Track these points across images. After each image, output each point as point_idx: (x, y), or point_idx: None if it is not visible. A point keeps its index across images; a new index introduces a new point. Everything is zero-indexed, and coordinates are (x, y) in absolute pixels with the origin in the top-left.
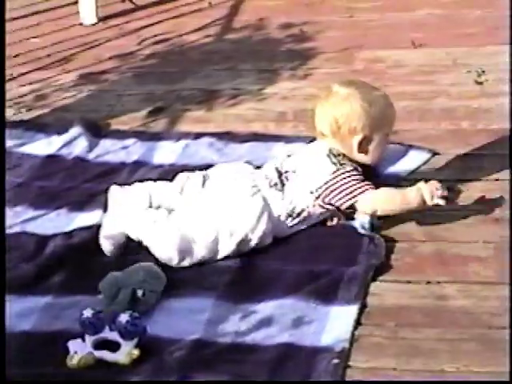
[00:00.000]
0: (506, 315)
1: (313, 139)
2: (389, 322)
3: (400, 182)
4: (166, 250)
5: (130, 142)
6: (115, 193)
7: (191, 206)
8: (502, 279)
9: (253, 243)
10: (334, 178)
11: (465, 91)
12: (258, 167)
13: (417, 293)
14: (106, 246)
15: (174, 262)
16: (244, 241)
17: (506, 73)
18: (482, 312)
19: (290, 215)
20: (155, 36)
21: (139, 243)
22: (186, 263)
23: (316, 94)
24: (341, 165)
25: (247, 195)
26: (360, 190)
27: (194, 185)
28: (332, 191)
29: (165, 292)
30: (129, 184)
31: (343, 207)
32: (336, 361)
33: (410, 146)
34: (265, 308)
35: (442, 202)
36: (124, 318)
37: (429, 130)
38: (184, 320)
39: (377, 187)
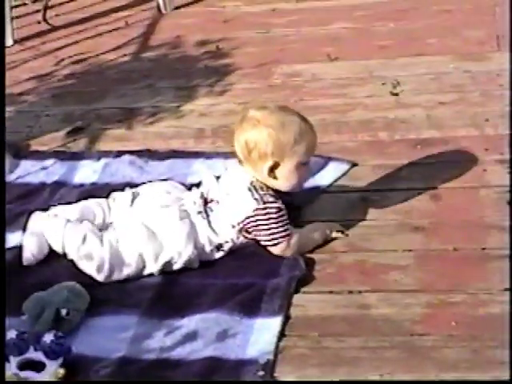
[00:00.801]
0: (428, 322)
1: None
2: (312, 333)
3: (320, 194)
4: (94, 266)
5: (49, 162)
6: (37, 216)
7: (119, 223)
8: (422, 287)
9: (178, 266)
10: (255, 216)
11: (381, 103)
12: (186, 185)
13: (339, 302)
14: (27, 254)
15: (101, 277)
16: (169, 263)
17: (420, 84)
18: (403, 320)
19: (216, 247)
20: (73, 56)
21: (64, 255)
22: (112, 279)
23: (234, 109)
24: (263, 202)
25: (176, 218)
26: (279, 235)
27: (123, 202)
28: (253, 227)
29: (89, 310)
30: (48, 206)
31: (263, 244)
32: (261, 373)
33: (329, 158)
34: (189, 323)
35: (339, 235)
36: (48, 337)
37: (346, 141)
38: (109, 338)
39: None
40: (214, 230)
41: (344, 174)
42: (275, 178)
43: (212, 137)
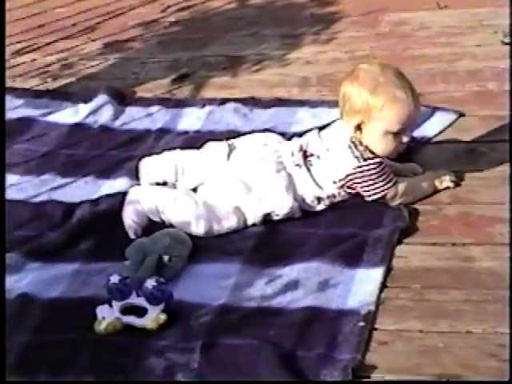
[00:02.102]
0: None
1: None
2: (414, 285)
3: (426, 144)
4: (192, 224)
5: (154, 109)
6: (145, 166)
7: (216, 178)
8: None
9: (280, 217)
10: (356, 173)
11: (491, 52)
12: (283, 134)
13: (442, 255)
14: (130, 227)
15: (201, 233)
16: (270, 215)
17: None
18: (507, 273)
19: (317, 199)
20: (179, 3)
21: (163, 223)
22: (213, 233)
23: (340, 57)
24: (363, 159)
25: (272, 171)
26: (382, 188)
27: (220, 156)
28: (356, 183)
29: (191, 258)
30: (156, 152)
31: (368, 199)
32: (362, 323)
33: (436, 108)
34: (290, 272)
35: (451, 185)
36: (150, 283)
37: (453, 91)
38: (210, 285)
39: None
40: (316, 183)
41: (451, 125)
42: (362, 137)
43: (317, 85)
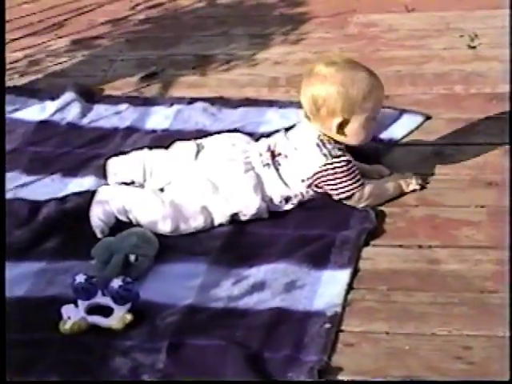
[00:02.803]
0: (498, 279)
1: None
2: (381, 286)
3: (393, 146)
4: (159, 223)
5: (123, 107)
6: (113, 165)
7: (184, 177)
8: (494, 243)
9: (247, 218)
10: (324, 171)
11: (458, 55)
12: (251, 134)
13: (409, 257)
14: (98, 223)
15: (167, 232)
16: (237, 215)
17: (499, 37)
18: (473, 276)
19: (285, 199)
20: (148, 1)
21: (130, 222)
22: (180, 232)
23: (309, 58)
24: (332, 157)
25: (241, 171)
26: (350, 187)
27: (188, 156)
28: (323, 182)
29: (158, 257)
30: (124, 151)
31: (336, 198)
32: (328, 325)
33: (403, 111)
34: (257, 273)
35: (417, 187)
36: (117, 282)
37: (420, 94)
38: (177, 285)
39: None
40: (284, 183)
41: (418, 127)
42: (344, 134)
43: (286, 86)
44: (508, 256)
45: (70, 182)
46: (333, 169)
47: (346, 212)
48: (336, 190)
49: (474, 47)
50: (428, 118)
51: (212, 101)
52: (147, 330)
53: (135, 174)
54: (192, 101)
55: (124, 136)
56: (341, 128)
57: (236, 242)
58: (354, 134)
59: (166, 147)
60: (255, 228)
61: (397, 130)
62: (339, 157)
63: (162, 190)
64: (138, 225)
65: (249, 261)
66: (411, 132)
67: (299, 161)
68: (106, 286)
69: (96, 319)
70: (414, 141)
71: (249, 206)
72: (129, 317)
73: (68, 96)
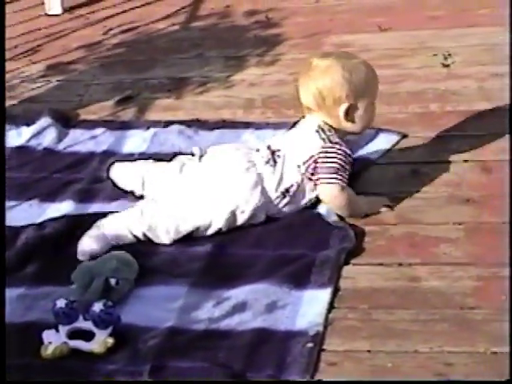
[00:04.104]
0: (478, 295)
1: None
2: (362, 305)
3: (369, 165)
4: (161, 229)
5: (99, 131)
6: (114, 174)
7: (189, 182)
8: (473, 260)
9: (246, 216)
10: (320, 153)
11: (432, 74)
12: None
13: (389, 275)
14: (83, 247)
15: (170, 239)
16: (236, 211)
17: (473, 55)
18: (453, 293)
19: (282, 193)
20: (122, 25)
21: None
22: (181, 234)
23: (284, 79)
24: (330, 142)
25: (242, 169)
26: (338, 181)
27: (193, 162)
28: (317, 165)
29: (138, 280)
30: (101, 175)
31: (318, 182)
32: (310, 344)
33: (379, 130)
34: (238, 293)
35: (384, 210)
36: (98, 306)
37: (396, 113)
38: (158, 308)
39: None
40: (281, 175)
41: (394, 146)
42: (350, 120)
43: (262, 107)
44: (509, 272)
45: (48, 208)
46: (328, 153)
47: (326, 232)
48: (324, 171)
49: (448, 65)
50: (404, 136)
51: (188, 123)
52: (129, 353)
53: (134, 184)
54: (168, 124)
55: (101, 160)
56: (347, 114)
57: (216, 264)
58: (360, 120)
59: (169, 160)
60: (235, 249)
61: (373, 150)
62: (338, 144)
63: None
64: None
65: (229, 282)
66: (387, 151)
67: (297, 148)
68: (87, 310)
69: (78, 343)
70: (391, 160)
71: (248, 201)
72: (110, 340)
73: (44, 121)
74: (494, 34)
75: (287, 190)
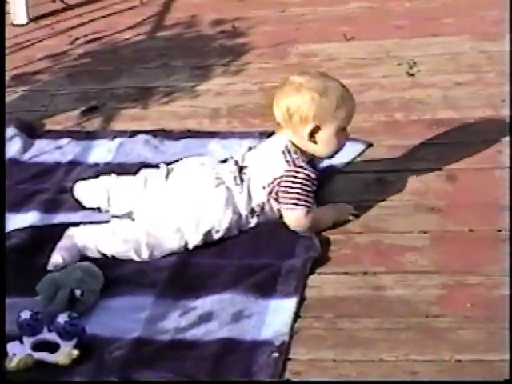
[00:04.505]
0: (443, 303)
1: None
2: (327, 314)
3: (335, 174)
4: (133, 251)
5: (64, 141)
6: (78, 191)
7: (155, 199)
8: (438, 268)
9: (220, 234)
10: (283, 177)
11: (397, 83)
12: (223, 161)
13: (354, 284)
14: (56, 258)
15: (144, 258)
16: (211, 232)
17: (436, 64)
18: (418, 301)
19: (250, 212)
20: (87, 35)
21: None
22: (155, 256)
23: (250, 89)
24: (294, 165)
25: (211, 186)
26: (303, 203)
27: (158, 178)
28: (280, 187)
29: (103, 291)
30: (67, 185)
31: (282, 207)
32: (276, 354)
33: None
34: (204, 304)
35: (350, 218)
36: (62, 318)
37: (361, 122)
38: (123, 319)
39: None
40: (249, 194)
41: (359, 155)
42: (315, 142)
43: (227, 116)
44: (509, 281)
45: (14, 218)
46: (292, 176)
47: (291, 241)
48: (287, 198)
49: (412, 74)
50: (369, 145)
51: (154, 133)
52: (94, 364)
53: (99, 200)
54: (134, 134)
55: (67, 170)
56: (312, 135)
57: (182, 274)
58: (324, 143)
59: (134, 173)
60: (201, 259)
61: (339, 158)
62: (302, 168)
63: (130, 214)
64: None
65: (195, 292)
66: (353, 160)
67: (263, 168)
68: (52, 321)
69: (42, 355)
70: (356, 168)
71: (222, 220)
72: (75, 352)
73: (9, 132)
74: (459, 43)
75: (255, 210)
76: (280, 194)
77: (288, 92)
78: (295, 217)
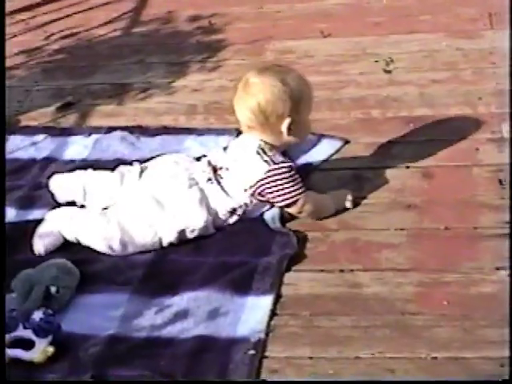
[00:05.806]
0: (419, 301)
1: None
2: (304, 312)
3: (312, 171)
4: (105, 243)
5: (40, 137)
6: (53, 185)
7: (129, 197)
8: (414, 265)
9: (195, 234)
10: (267, 178)
11: (374, 80)
12: (198, 159)
13: (331, 281)
14: (38, 245)
15: (116, 253)
16: (185, 231)
17: (413, 61)
18: (395, 299)
19: (229, 212)
20: (63, 30)
21: (78, 243)
22: (128, 252)
23: (226, 85)
24: (273, 163)
25: (185, 187)
26: (294, 193)
27: (132, 177)
28: (267, 189)
29: (79, 288)
30: (42, 182)
31: (278, 205)
32: (252, 351)
33: (322, 135)
34: (180, 301)
35: (350, 205)
36: (37, 315)
37: (338, 119)
38: (99, 316)
39: None
40: (227, 195)
41: (336, 152)
42: (293, 134)
43: (204, 113)
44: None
45: None
46: (275, 175)
47: (268, 238)
48: (279, 196)
49: (389, 72)
50: (346, 142)
51: (130, 129)
52: (69, 362)
53: (75, 194)
54: (110, 130)
55: (42, 167)
56: (290, 129)
57: (158, 271)
58: (301, 132)
59: (111, 170)
60: (177, 256)
61: (316, 155)
62: (281, 163)
63: (105, 210)
64: (84, 246)
65: (171, 289)
66: (330, 157)
67: (241, 171)
68: (27, 318)
69: (17, 353)
70: (333, 165)
71: (196, 220)
72: (50, 349)
73: None
74: (435, 41)
75: (235, 210)
76: (270, 196)
77: (256, 93)
78: (297, 209)
